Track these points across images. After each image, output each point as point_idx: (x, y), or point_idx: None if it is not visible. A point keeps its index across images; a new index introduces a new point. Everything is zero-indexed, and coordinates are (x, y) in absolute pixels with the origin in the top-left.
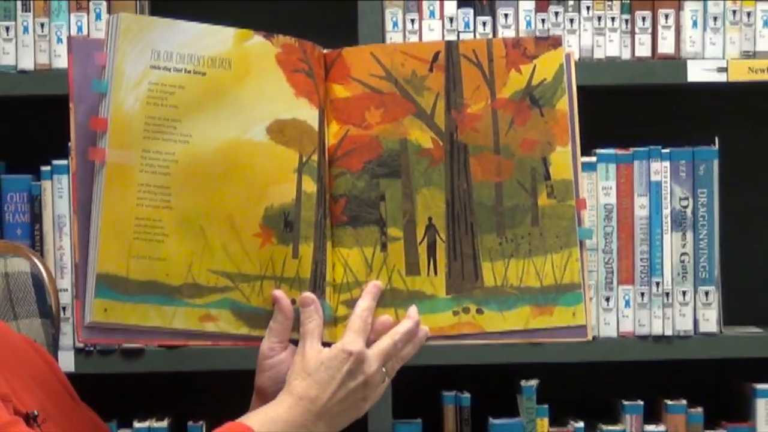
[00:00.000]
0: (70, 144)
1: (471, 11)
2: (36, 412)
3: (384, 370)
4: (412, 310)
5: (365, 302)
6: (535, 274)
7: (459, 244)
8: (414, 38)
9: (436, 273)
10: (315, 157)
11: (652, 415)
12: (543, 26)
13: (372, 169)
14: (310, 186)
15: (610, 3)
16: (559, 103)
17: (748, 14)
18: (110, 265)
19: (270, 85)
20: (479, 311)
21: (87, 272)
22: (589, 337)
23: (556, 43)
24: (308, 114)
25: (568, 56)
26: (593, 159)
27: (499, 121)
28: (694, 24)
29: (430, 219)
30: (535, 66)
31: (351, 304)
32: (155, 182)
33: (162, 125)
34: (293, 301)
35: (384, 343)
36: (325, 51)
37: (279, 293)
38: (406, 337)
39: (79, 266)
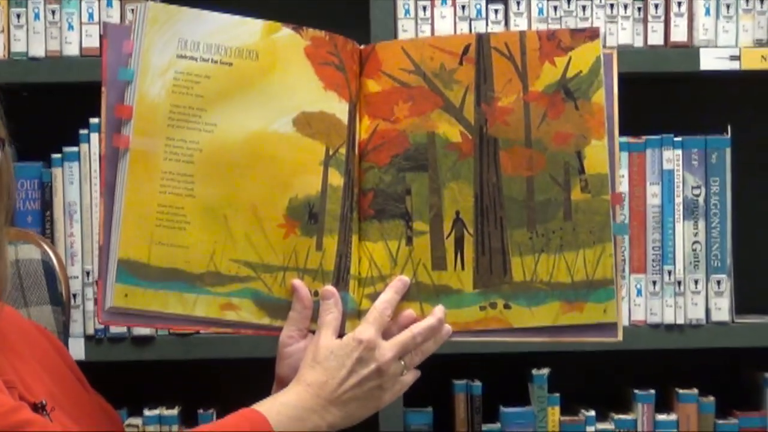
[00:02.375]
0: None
1: None
2: (44, 402)
3: (402, 362)
4: (439, 309)
5: (386, 295)
6: (566, 269)
7: (487, 238)
8: (426, 26)
9: (463, 267)
10: (343, 151)
11: (663, 404)
12: (555, 14)
13: (399, 162)
14: (336, 179)
15: None
16: (596, 96)
17: (761, 2)
18: (132, 250)
19: (297, 77)
20: (507, 306)
21: (109, 256)
22: (619, 338)
23: (593, 35)
24: (337, 107)
25: (609, 56)
26: None
27: (531, 115)
28: (707, 12)
29: (457, 213)
30: (570, 58)
31: (374, 297)
32: (179, 170)
33: (187, 114)
34: (315, 293)
35: (402, 335)
36: (361, 46)
37: (298, 282)
38: (427, 332)
39: (103, 248)
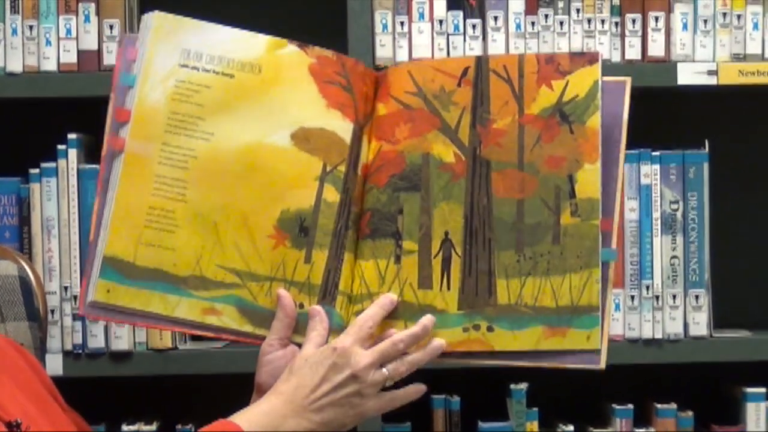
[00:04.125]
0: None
1: (461, 14)
2: (19, 420)
3: (385, 370)
4: (427, 318)
5: (370, 310)
6: (551, 293)
7: (475, 259)
8: (403, 41)
9: (449, 288)
10: (342, 168)
11: (641, 419)
12: (533, 29)
13: (395, 183)
14: (332, 195)
15: (599, 5)
16: (591, 121)
17: (738, 17)
18: (118, 249)
19: (300, 93)
20: (490, 329)
21: (96, 252)
22: (602, 366)
23: (593, 59)
24: (340, 126)
25: (623, 84)
26: None
27: (525, 137)
28: (684, 26)
29: (446, 233)
30: (567, 82)
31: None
32: (172, 175)
33: (185, 121)
34: (300, 305)
35: (382, 343)
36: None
37: (282, 292)
38: (409, 339)
39: (92, 244)
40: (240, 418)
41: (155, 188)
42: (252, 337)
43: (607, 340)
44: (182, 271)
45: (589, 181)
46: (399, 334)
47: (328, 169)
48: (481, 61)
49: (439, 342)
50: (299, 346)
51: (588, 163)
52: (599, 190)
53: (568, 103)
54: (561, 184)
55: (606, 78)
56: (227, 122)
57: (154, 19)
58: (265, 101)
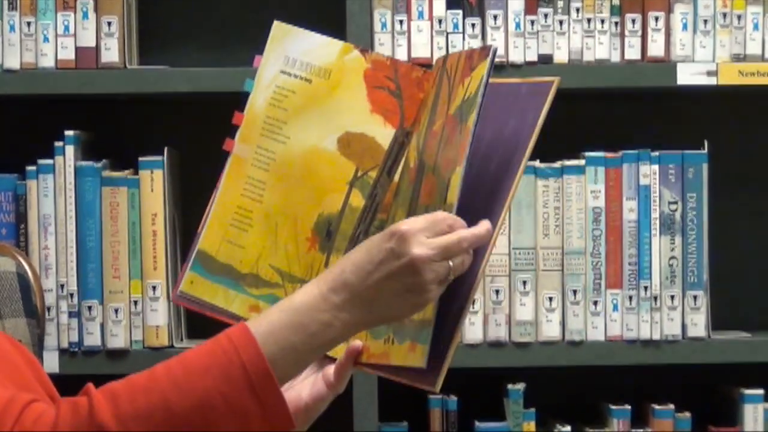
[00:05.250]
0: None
1: (460, 12)
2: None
3: (451, 263)
4: (486, 221)
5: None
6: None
7: None
8: (403, 40)
9: None
10: (372, 174)
11: (639, 419)
12: (532, 28)
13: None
14: (357, 200)
15: (599, 5)
16: (470, 120)
17: (739, 17)
18: (208, 243)
19: (351, 98)
20: (393, 341)
21: (194, 245)
22: (436, 389)
23: (486, 53)
24: (379, 131)
25: (549, 85)
26: (582, 162)
27: (441, 139)
28: (684, 27)
29: None
30: (471, 78)
31: None
32: (257, 176)
33: (273, 125)
34: None
35: (445, 237)
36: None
37: None
38: (473, 239)
39: (195, 236)
40: (257, 320)
41: (244, 189)
42: None
43: (449, 357)
44: (244, 269)
45: (455, 185)
46: (464, 232)
47: (359, 174)
48: (443, 60)
49: (486, 223)
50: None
51: (459, 166)
52: (457, 197)
53: (466, 101)
54: (443, 190)
55: (536, 78)
56: (299, 127)
57: (273, 28)
58: (327, 106)
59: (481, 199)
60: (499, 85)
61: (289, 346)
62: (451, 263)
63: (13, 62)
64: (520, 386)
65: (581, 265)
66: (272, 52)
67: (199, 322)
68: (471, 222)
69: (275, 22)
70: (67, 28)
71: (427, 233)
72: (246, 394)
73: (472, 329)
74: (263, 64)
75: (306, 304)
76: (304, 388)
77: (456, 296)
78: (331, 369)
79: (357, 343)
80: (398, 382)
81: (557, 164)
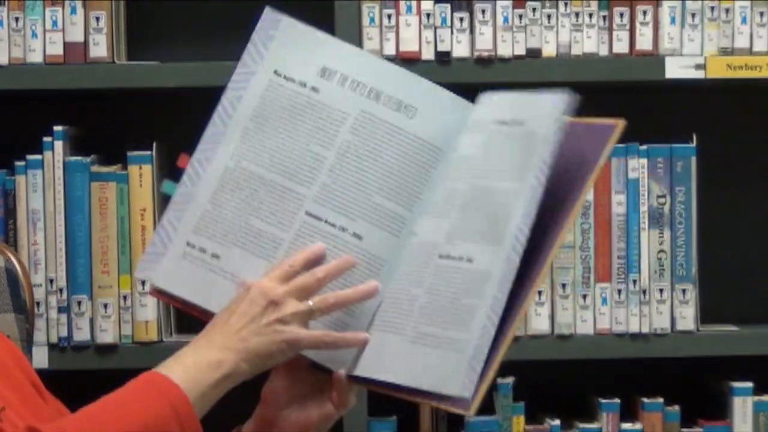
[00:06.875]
0: None
1: (448, 7)
2: None
3: (310, 303)
4: (348, 257)
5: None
6: None
7: None
8: (391, 34)
9: None
10: None
11: (628, 413)
12: (520, 22)
13: None
14: None
15: None
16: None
17: (727, 11)
18: None
19: None
20: None
21: None
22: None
23: None
24: None
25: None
26: None
27: None
28: (672, 20)
29: None
30: None
31: None
32: None
33: None
34: None
35: (299, 276)
36: None
37: None
38: (329, 270)
39: None
40: (167, 368)
41: None
42: None
43: (488, 379)
44: None
45: None
46: (320, 268)
47: None
48: None
49: (374, 283)
50: (315, 366)
51: None
52: None
53: None
54: None
55: (593, 120)
56: None
57: None
58: None
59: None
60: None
61: (204, 385)
62: (310, 302)
63: (1, 57)
64: (510, 380)
65: (570, 258)
66: None
67: (188, 318)
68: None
69: None
70: (55, 23)
71: (275, 281)
72: (175, 427)
73: None
74: None
75: (196, 351)
76: (313, 407)
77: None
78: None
79: (341, 372)
80: (428, 404)
81: None
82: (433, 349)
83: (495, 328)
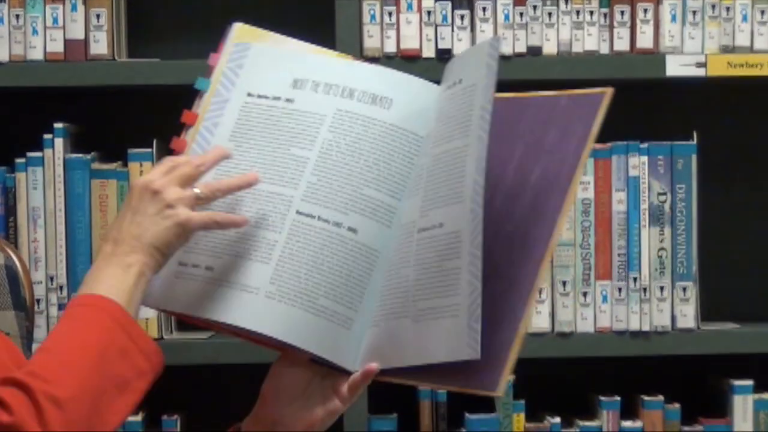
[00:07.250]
0: None
1: (449, 4)
2: None
3: (195, 189)
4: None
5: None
6: None
7: None
8: (391, 31)
9: None
10: None
11: (628, 411)
12: (521, 20)
13: None
14: None
15: None
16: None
17: (727, 9)
18: None
19: None
20: None
21: None
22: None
23: None
24: None
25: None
26: None
27: None
28: (673, 18)
29: None
30: None
31: None
32: None
33: None
34: None
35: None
36: None
37: None
38: (205, 158)
39: None
40: (91, 287)
41: None
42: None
43: (513, 355)
44: None
45: None
46: (197, 155)
47: None
48: None
49: (253, 175)
50: (315, 361)
51: None
52: None
53: None
54: None
55: (578, 91)
56: None
57: None
58: None
59: (524, 206)
60: (529, 99)
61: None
62: (196, 189)
63: (1, 54)
64: (510, 378)
65: (570, 256)
66: None
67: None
68: (516, 234)
69: None
70: (56, 20)
71: (157, 176)
72: (123, 336)
73: None
74: None
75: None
76: (317, 403)
77: (514, 291)
78: (343, 383)
79: (373, 365)
80: (454, 390)
81: None
82: (435, 321)
83: (479, 281)
